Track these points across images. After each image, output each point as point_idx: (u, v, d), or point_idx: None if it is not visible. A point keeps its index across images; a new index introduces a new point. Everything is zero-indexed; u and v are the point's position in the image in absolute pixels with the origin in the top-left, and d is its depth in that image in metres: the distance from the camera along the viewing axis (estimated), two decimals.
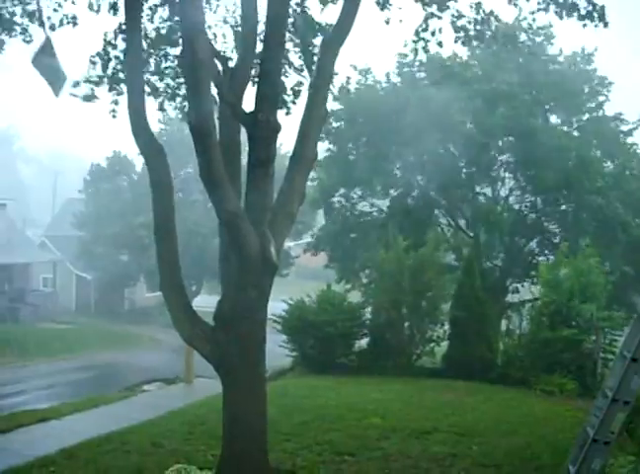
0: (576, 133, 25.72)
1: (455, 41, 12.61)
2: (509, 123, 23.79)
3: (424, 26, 12.26)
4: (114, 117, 11.89)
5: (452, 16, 12.02)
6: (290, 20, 11.34)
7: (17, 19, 11.21)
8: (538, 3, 11.50)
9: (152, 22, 11.78)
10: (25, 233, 48.84)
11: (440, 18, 12.04)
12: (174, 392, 19.25)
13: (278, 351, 19.13)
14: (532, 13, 12.09)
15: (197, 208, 40.41)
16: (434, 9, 11.92)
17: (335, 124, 26.46)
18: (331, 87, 11.91)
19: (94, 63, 11.72)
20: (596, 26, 11.17)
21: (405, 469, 9.96)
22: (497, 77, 24.31)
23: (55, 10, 11.21)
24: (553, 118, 26.59)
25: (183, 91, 12.27)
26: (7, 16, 11.12)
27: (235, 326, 8.62)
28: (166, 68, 12.26)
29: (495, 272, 26.71)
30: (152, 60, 12.00)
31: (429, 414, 13.48)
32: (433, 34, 12.38)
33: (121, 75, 11.50)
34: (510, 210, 26.92)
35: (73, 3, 11.40)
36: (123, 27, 10.51)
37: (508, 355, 19.11)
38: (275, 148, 8.82)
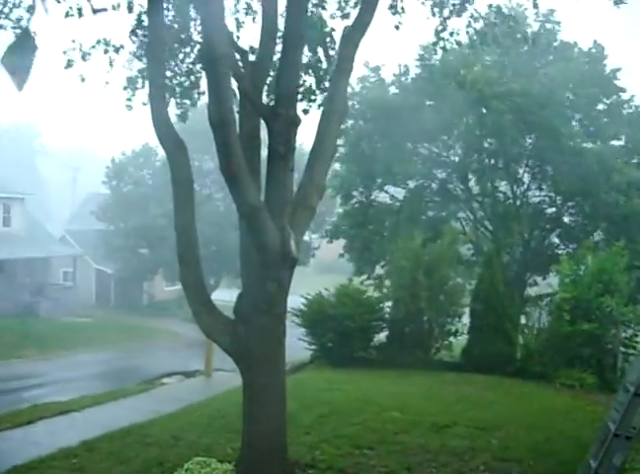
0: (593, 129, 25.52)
1: (472, 44, 12.65)
2: (530, 120, 23.63)
3: (442, 27, 12.28)
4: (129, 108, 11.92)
5: (470, 16, 12.04)
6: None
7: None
8: None
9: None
10: (45, 228, 49.11)
11: (459, 16, 12.06)
12: (193, 385, 19.36)
13: (297, 344, 19.15)
14: None
15: (216, 202, 40.51)
16: (448, 13, 11.97)
17: (350, 122, 26.45)
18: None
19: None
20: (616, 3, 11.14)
21: (424, 463, 9.94)
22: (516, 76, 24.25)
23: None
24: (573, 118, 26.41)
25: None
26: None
27: (255, 320, 8.64)
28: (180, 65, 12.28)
29: (514, 265, 26.61)
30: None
31: (448, 408, 13.44)
32: (451, 34, 12.42)
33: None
34: (528, 204, 26.81)
35: None
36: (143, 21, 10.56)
37: (527, 348, 19.04)
38: (294, 142, 8.83)
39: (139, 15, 11.15)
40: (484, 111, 24.15)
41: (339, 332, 19.78)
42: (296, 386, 14.03)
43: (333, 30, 11.50)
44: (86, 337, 33.25)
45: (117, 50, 11.71)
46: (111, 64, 11.72)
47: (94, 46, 11.66)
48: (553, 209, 26.83)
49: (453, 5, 11.98)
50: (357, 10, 10.40)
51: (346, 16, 11.87)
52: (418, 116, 24.87)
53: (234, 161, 7.95)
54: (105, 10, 8.73)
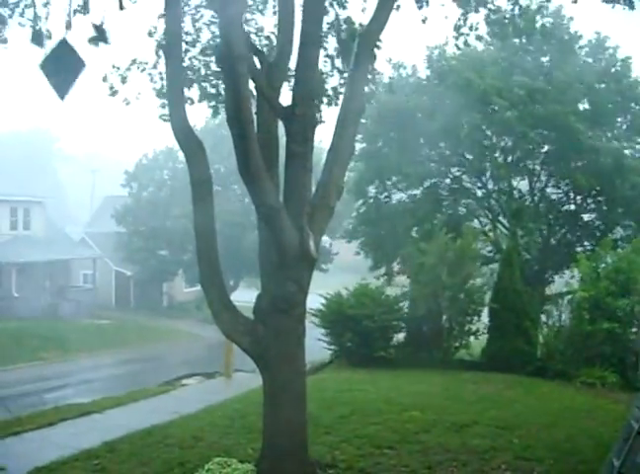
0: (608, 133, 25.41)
1: (491, 38, 12.62)
2: (546, 117, 23.54)
3: (462, 21, 12.24)
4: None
5: (489, 10, 12.00)
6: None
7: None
8: None
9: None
10: (64, 231, 49.49)
11: (477, 11, 12.04)
12: (213, 386, 19.38)
13: (316, 345, 19.16)
14: None
15: (235, 202, 40.59)
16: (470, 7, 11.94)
17: (364, 121, 26.45)
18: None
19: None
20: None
21: (445, 462, 9.90)
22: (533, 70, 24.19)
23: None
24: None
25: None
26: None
27: (274, 320, 8.65)
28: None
29: (534, 263, 26.50)
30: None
31: (468, 407, 13.38)
32: (471, 28, 12.39)
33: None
34: (546, 201, 26.71)
35: None
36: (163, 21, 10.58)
37: (547, 347, 18.94)
38: (312, 142, 8.83)
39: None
40: (493, 107, 24.03)
41: (358, 332, 19.74)
42: (316, 386, 14.04)
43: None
44: (106, 338, 33.47)
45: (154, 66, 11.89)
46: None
47: (129, 69, 11.83)
48: (572, 207, 26.72)
49: None
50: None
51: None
52: (427, 116, 24.86)
53: (252, 161, 7.97)
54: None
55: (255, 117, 8.67)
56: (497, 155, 26.47)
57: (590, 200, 26.26)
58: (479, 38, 12.86)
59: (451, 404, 13.67)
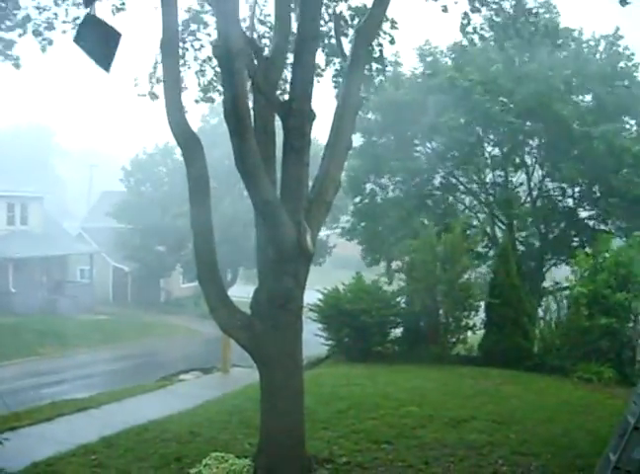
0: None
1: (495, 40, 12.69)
2: (535, 106, 23.50)
3: (466, 21, 12.30)
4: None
5: (491, 9, 12.04)
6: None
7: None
8: None
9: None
10: (61, 226, 49.41)
11: (479, 11, 12.09)
12: (211, 381, 19.39)
13: (313, 340, 19.16)
14: None
15: (233, 197, 40.51)
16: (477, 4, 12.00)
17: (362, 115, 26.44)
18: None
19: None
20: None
21: (442, 457, 9.93)
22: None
23: None
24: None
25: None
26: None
27: (271, 315, 8.66)
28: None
29: (530, 258, 26.49)
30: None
31: (465, 402, 13.41)
32: (475, 29, 12.45)
33: None
34: (543, 196, 26.71)
35: None
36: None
37: (544, 342, 18.95)
38: (309, 137, 8.84)
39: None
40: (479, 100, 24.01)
41: (355, 327, 19.74)
42: (313, 381, 14.06)
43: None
44: (103, 334, 33.48)
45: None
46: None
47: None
48: (569, 201, 26.69)
49: None
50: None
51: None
52: (421, 110, 24.83)
53: (249, 157, 7.98)
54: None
55: (252, 112, 8.66)
56: (489, 149, 26.42)
57: (583, 193, 26.17)
58: (482, 37, 12.90)
59: (449, 399, 13.69)
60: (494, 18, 12.23)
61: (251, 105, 8.75)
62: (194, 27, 12.42)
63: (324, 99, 12.35)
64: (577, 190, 26.22)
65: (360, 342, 19.99)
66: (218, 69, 12.19)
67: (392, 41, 12.36)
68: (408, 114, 25.25)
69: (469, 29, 12.51)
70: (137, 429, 11.87)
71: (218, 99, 13.56)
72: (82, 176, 78.17)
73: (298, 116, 8.54)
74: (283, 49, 9.54)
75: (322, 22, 11.48)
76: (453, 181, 27.37)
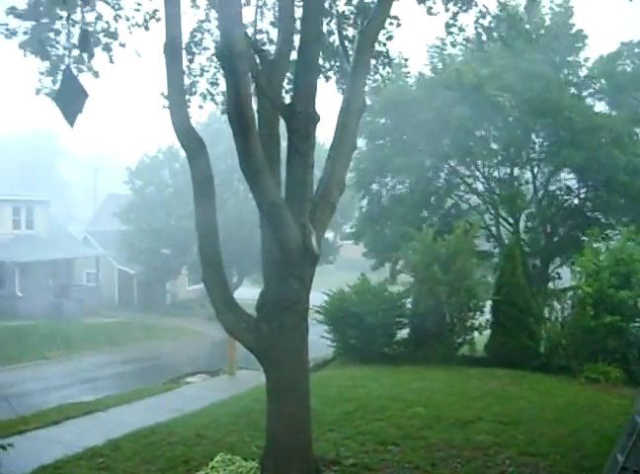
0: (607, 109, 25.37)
1: (479, 41, 12.72)
2: (541, 102, 23.48)
3: (452, 21, 12.34)
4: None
5: (479, 12, 12.11)
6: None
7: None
8: None
9: None
10: (67, 229, 49.50)
11: (466, 11, 12.14)
12: (217, 384, 19.41)
13: (319, 342, 19.16)
14: None
15: (239, 199, 40.52)
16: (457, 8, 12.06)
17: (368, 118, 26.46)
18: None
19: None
20: None
21: (449, 459, 9.93)
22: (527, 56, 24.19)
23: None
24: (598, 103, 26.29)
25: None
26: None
27: (277, 317, 8.66)
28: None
29: (536, 258, 26.46)
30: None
31: (472, 403, 13.39)
32: (460, 29, 12.47)
33: None
34: (548, 195, 26.68)
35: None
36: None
37: (550, 342, 18.92)
38: (314, 139, 8.83)
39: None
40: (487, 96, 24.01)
41: (361, 328, 19.73)
42: (320, 383, 14.06)
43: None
44: (110, 337, 33.51)
45: None
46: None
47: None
48: (575, 201, 26.67)
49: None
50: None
51: None
52: (426, 108, 24.84)
53: (254, 159, 7.99)
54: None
55: (256, 114, 8.67)
56: (494, 146, 26.40)
57: (591, 193, 26.14)
58: (467, 39, 12.94)
59: (455, 400, 13.68)
60: (479, 21, 12.29)
61: (255, 107, 8.77)
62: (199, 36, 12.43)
63: (329, 100, 12.43)
64: (584, 188, 26.19)
65: (365, 343, 19.98)
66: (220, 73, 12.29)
67: (390, 38, 12.37)
68: (413, 112, 25.25)
69: (454, 29, 12.56)
70: (144, 431, 11.90)
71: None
72: (87, 179, 78.34)
73: (302, 118, 8.53)
74: (287, 52, 9.57)
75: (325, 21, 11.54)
76: (459, 181, 27.36)
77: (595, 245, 20.29)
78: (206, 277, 9.07)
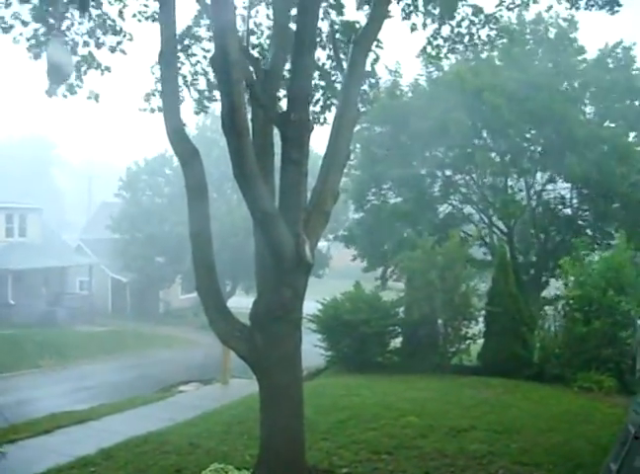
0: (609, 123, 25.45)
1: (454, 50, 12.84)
2: (540, 112, 23.55)
3: (435, 34, 12.45)
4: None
5: (456, 24, 12.23)
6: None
7: None
8: None
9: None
10: (61, 237, 49.41)
11: (449, 24, 12.27)
12: (210, 393, 19.35)
13: (313, 351, 19.14)
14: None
15: (232, 208, 40.50)
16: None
17: (363, 125, 26.49)
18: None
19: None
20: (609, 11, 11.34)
21: (442, 468, 9.91)
22: (527, 68, 24.27)
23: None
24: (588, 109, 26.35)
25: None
26: None
27: (270, 326, 8.64)
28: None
29: (529, 267, 26.50)
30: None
31: (466, 412, 13.38)
32: (445, 40, 12.56)
33: None
34: (542, 204, 26.73)
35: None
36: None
37: (544, 351, 18.92)
38: (308, 148, 8.83)
39: None
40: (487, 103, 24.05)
41: (355, 337, 19.73)
42: (313, 392, 14.03)
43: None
44: (103, 345, 33.43)
45: None
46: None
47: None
48: (568, 210, 26.74)
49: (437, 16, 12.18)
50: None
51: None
52: (422, 117, 24.90)
53: (247, 167, 7.98)
54: None
55: (250, 123, 8.68)
56: (492, 155, 26.44)
57: (585, 202, 26.18)
58: (453, 50, 13.04)
59: (449, 409, 13.66)
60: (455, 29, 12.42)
61: (249, 116, 8.77)
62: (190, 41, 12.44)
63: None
64: (578, 197, 26.25)
65: (359, 352, 19.98)
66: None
67: (376, 60, 12.44)
68: (409, 121, 25.31)
69: (440, 41, 12.66)
70: (137, 440, 11.85)
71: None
72: (81, 187, 78.28)
73: (296, 126, 8.53)
74: (281, 61, 9.58)
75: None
76: (451, 190, 27.39)
77: (584, 253, 20.32)
78: (200, 286, 9.05)
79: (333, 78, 12.15)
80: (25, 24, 11.05)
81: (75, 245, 49.85)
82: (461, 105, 24.04)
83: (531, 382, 17.32)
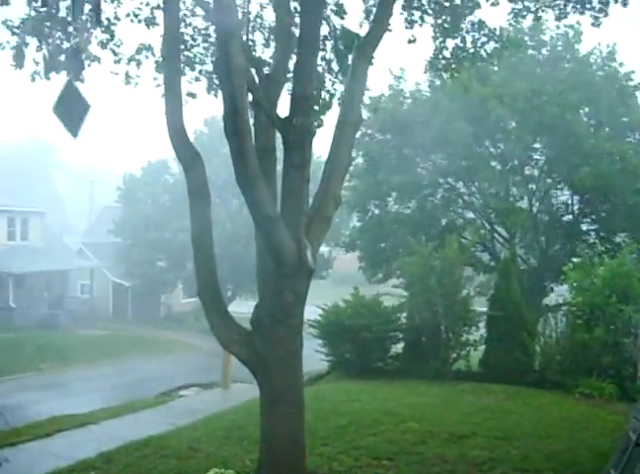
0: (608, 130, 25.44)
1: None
2: (547, 122, 23.54)
3: (440, 48, 12.49)
4: None
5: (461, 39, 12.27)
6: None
7: None
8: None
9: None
10: (62, 240, 49.41)
11: (455, 37, 12.29)
12: (211, 397, 19.38)
13: (314, 356, 19.12)
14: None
15: (234, 213, 40.46)
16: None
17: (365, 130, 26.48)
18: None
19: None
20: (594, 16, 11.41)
21: None
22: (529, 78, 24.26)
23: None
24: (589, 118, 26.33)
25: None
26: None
27: (272, 331, 8.65)
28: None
29: (532, 274, 26.46)
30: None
31: (466, 418, 13.36)
32: (452, 54, 12.56)
33: None
34: (545, 211, 26.71)
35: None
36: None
37: (545, 358, 18.89)
38: (310, 152, 8.85)
39: None
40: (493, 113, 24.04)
41: (356, 343, 19.69)
42: (314, 397, 14.01)
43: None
44: (104, 349, 33.39)
45: None
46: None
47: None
48: (570, 217, 26.73)
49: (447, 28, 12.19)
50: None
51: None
52: (425, 125, 24.89)
53: (249, 172, 8.00)
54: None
55: (252, 127, 8.69)
56: (494, 164, 26.42)
57: (588, 210, 26.18)
58: (460, 62, 13.02)
59: (449, 415, 13.65)
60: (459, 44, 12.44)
61: (251, 120, 8.78)
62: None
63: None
64: (581, 204, 26.23)
65: (360, 358, 19.96)
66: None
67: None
68: (412, 129, 25.31)
69: (446, 53, 12.66)
70: (137, 444, 11.85)
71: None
72: (83, 191, 78.20)
73: (298, 131, 8.54)
74: (284, 66, 9.60)
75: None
76: (454, 196, 27.38)
77: (587, 261, 20.31)
78: (201, 290, 9.06)
79: (332, 81, 12.14)
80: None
81: (77, 248, 49.82)
82: (463, 112, 24.03)
83: (532, 389, 17.27)
